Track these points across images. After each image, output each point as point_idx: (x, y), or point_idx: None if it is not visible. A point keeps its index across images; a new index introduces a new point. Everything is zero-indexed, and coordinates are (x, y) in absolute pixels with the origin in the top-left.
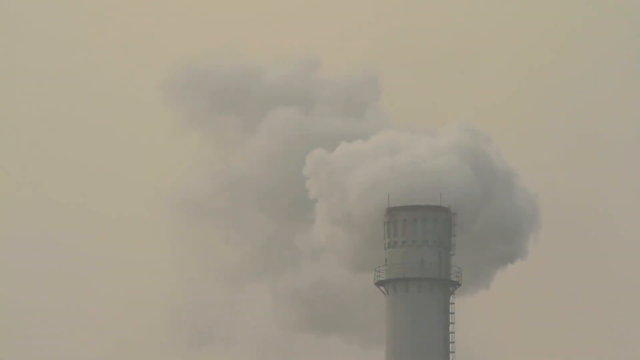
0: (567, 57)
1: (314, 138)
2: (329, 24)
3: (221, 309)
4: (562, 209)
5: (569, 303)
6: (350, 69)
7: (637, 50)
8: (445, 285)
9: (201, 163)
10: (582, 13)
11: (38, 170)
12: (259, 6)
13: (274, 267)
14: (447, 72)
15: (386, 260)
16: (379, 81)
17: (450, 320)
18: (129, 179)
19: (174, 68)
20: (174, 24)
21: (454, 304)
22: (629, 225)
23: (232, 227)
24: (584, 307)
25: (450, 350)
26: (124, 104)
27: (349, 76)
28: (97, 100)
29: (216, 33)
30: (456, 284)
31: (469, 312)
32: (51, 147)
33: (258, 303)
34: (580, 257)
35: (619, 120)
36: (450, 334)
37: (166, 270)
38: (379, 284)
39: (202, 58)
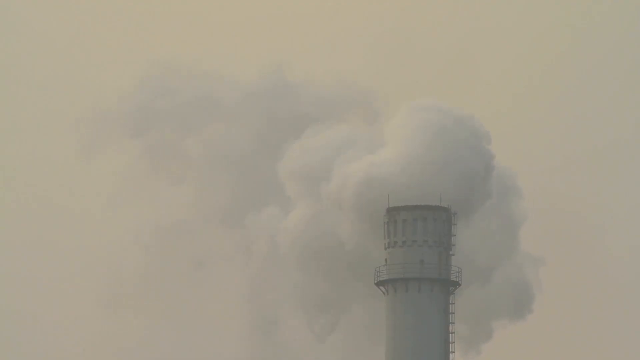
0: (568, 60)
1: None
2: (327, 26)
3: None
4: (561, 212)
5: (569, 303)
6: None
7: (638, 53)
8: (445, 285)
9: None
10: (581, 16)
11: (35, 170)
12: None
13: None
14: (447, 75)
15: (386, 260)
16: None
17: (450, 320)
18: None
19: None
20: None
21: (454, 304)
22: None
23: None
24: (583, 307)
25: (450, 350)
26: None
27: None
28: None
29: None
30: (456, 284)
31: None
32: (49, 148)
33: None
34: (580, 257)
35: (620, 122)
36: (450, 334)
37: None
38: (379, 284)
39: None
